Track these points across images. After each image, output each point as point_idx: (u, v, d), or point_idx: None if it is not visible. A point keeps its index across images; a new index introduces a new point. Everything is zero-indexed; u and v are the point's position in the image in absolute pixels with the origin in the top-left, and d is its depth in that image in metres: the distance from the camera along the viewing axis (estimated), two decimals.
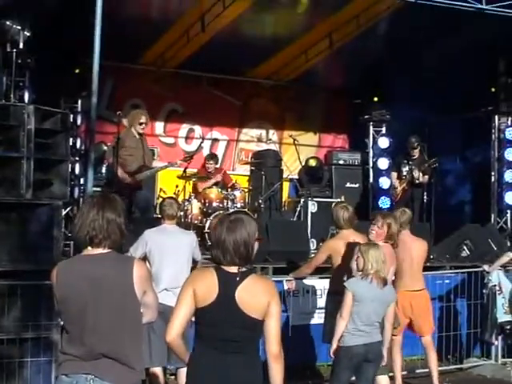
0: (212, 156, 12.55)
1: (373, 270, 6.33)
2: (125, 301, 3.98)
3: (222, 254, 4.15)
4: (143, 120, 10.48)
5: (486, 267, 9.56)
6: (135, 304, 4.04)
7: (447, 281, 10.15)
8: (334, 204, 8.92)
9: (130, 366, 3.96)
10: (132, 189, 10.28)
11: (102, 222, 4.03)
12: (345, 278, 6.82)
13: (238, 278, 4.10)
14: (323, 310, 8.23)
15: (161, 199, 10.29)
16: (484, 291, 9.63)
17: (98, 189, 10.55)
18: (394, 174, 12.71)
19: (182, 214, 10.40)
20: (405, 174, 12.34)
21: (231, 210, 10.97)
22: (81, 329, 3.94)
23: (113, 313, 3.95)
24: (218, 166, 12.62)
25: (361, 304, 6.34)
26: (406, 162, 12.42)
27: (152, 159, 11.18)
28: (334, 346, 6.45)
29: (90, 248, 4.06)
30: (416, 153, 12.42)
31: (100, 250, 4.04)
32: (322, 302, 8.88)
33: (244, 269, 4.16)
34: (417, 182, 12.20)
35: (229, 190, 11.60)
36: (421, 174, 12.11)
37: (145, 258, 7.39)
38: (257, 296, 4.10)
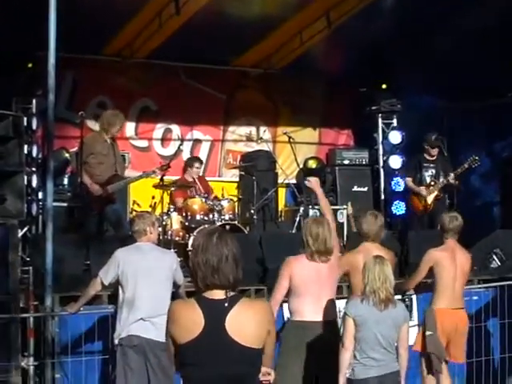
0: (196, 159, 12.56)
1: (374, 289, 6.39)
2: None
3: (206, 277, 4.03)
4: (120, 125, 10.60)
5: None
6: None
7: (475, 297, 10.13)
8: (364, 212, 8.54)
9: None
10: (103, 203, 10.25)
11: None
12: None
13: (226, 304, 4.01)
14: None
15: (134, 213, 10.29)
16: None
17: (62, 204, 10.58)
18: (409, 179, 12.47)
19: (160, 229, 10.39)
20: (428, 179, 12.11)
21: (218, 224, 10.96)
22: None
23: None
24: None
25: (364, 328, 6.38)
26: (426, 165, 12.20)
27: (124, 167, 11.16)
28: (341, 380, 6.47)
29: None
30: (435, 152, 12.21)
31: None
32: None
33: (232, 293, 4.06)
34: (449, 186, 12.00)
35: (214, 199, 11.60)
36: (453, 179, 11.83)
37: (117, 283, 7.40)
38: (253, 322, 4.01)
